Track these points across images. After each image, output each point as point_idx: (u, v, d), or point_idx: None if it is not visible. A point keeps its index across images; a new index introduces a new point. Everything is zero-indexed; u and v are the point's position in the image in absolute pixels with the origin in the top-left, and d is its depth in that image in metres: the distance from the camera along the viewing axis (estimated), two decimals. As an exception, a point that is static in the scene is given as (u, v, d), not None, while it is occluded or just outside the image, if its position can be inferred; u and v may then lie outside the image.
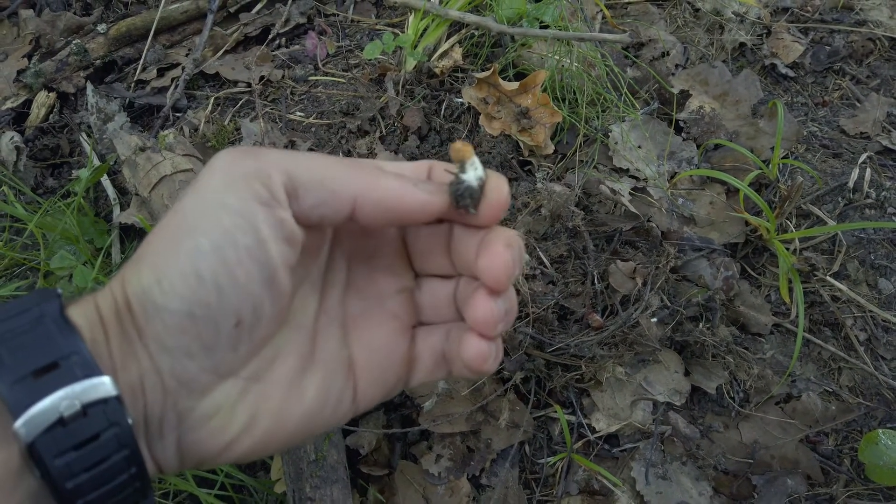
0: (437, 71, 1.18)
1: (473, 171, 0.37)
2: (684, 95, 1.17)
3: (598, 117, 1.12)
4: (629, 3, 1.41)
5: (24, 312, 0.32)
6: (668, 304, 0.89)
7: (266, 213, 0.33)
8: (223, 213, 0.33)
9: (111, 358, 0.32)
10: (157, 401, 0.33)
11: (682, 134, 1.14)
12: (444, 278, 0.43)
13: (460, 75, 1.20)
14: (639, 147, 1.10)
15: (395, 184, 0.36)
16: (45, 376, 0.30)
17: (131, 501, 0.32)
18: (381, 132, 1.14)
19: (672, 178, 1.07)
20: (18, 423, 0.29)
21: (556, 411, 0.88)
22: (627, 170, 1.08)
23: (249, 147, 0.35)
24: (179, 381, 0.33)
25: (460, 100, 1.16)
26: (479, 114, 1.13)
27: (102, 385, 0.30)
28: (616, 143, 1.10)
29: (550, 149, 1.11)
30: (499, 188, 0.37)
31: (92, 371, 0.30)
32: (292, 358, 0.38)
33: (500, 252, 0.36)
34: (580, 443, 0.89)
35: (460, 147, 0.37)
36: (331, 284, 0.42)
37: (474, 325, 0.37)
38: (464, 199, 0.37)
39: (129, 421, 0.31)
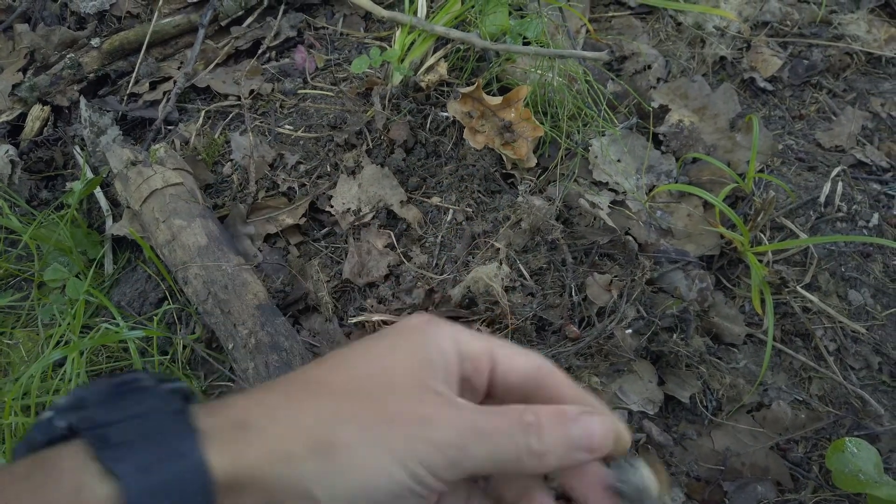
0: (423, 85, 1.21)
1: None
2: (664, 110, 1.20)
3: (579, 131, 1.15)
4: (613, 17, 1.44)
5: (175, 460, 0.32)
6: (644, 316, 0.92)
7: None
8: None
9: None
10: None
11: (662, 147, 1.17)
12: None
13: (446, 89, 1.23)
14: (618, 161, 1.13)
15: None
16: None
17: None
18: (367, 145, 1.17)
19: (650, 191, 1.10)
20: None
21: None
22: (607, 183, 1.11)
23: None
24: None
25: (445, 114, 1.19)
26: (464, 127, 1.16)
27: None
28: (596, 156, 1.12)
29: (533, 162, 1.14)
30: None
31: None
32: None
33: None
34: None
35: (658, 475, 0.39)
36: None
37: None
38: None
39: None
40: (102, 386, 0.36)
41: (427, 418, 0.35)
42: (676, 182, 1.12)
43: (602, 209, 1.03)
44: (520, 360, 0.41)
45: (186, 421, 0.33)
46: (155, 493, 0.31)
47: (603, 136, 1.14)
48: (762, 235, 1.04)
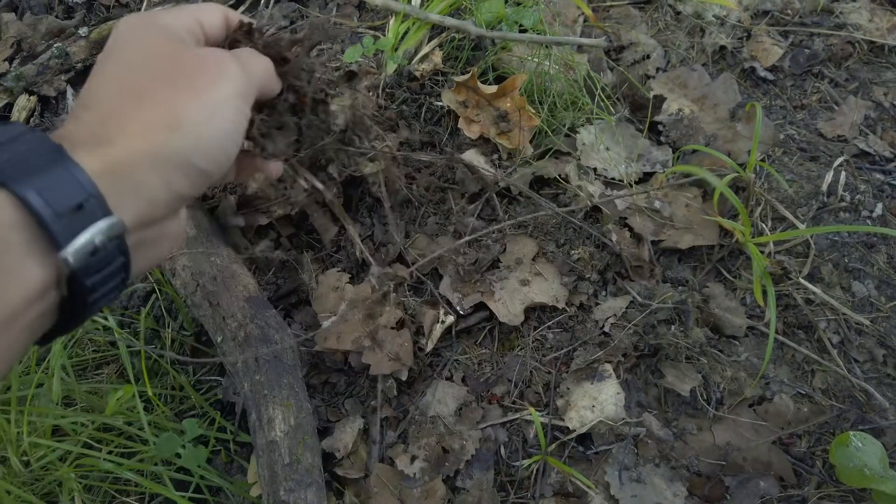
0: (418, 74, 1.18)
1: None
2: (660, 99, 1.18)
3: (575, 120, 1.13)
4: (611, 7, 1.41)
5: (42, 155, 0.37)
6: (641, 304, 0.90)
7: None
8: None
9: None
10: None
11: (662, 137, 1.15)
12: None
13: (440, 79, 1.20)
14: (607, 149, 1.10)
15: None
16: (77, 214, 0.36)
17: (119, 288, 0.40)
18: (360, 135, 1.14)
19: (640, 180, 1.08)
20: (66, 252, 0.36)
21: (530, 414, 0.89)
22: (595, 168, 1.09)
23: None
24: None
25: (440, 103, 1.17)
26: (459, 117, 1.14)
27: (118, 223, 0.38)
28: (584, 143, 1.10)
29: (529, 152, 1.12)
30: None
31: (107, 212, 0.38)
32: None
33: None
34: (554, 445, 0.89)
35: None
36: None
37: None
38: None
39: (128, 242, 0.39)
40: None
41: (222, 71, 0.45)
42: (677, 167, 1.10)
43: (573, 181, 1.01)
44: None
45: (61, 152, 0.38)
46: (42, 191, 0.35)
47: (592, 124, 1.12)
48: (764, 226, 1.01)
